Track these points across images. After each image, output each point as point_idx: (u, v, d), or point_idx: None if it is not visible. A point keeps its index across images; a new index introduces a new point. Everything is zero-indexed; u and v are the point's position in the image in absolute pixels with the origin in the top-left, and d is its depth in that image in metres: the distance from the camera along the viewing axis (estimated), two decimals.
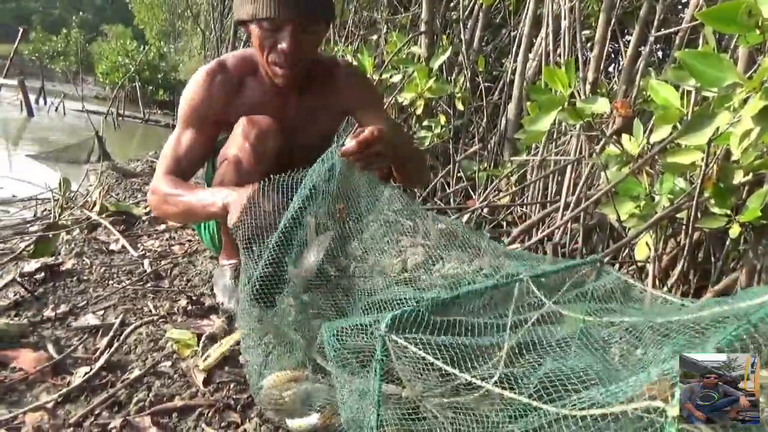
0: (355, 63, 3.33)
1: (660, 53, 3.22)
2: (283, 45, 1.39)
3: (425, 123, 3.27)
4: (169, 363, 1.31)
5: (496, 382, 0.75)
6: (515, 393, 0.71)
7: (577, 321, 0.88)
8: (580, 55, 2.51)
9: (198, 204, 1.32)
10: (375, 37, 4.60)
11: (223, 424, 1.11)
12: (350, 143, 1.17)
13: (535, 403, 0.67)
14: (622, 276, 0.96)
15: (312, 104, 1.59)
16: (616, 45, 3.16)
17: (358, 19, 4.85)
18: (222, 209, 1.24)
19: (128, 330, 1.41)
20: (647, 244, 1.96)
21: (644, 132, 1.98)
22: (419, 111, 3.21)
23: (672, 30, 2.23)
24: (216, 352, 1.26)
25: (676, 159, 1.75)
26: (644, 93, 2.42)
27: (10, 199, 3.63)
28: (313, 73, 1.56)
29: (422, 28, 3.37)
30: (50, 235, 2.38)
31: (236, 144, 1.44)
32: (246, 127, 1.43)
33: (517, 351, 0.89)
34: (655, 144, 1.94)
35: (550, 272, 0.95)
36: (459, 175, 3.17)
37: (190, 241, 2.28)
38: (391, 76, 3.37)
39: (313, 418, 1.08)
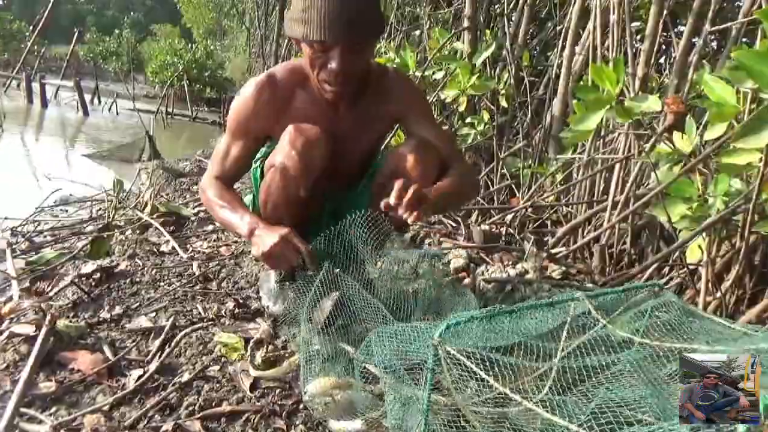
0: (398, 60, 3.33)
1: (714, 44, 3.09)
2: (333, 66, 1.39)
3: (468, 120, 3.23)
4: (217, 367, 1.34)
5: (545, 407, 0.74)
6: (566, 420, 0.70)
7: (633, 345, 0.86)
8: (629, 49, 2.43)
9: (230, 224, 1.53)
10: (417, 32, 4.58)
11: (269, 431, 1.13)
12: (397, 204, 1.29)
13: None
14: (684, 303, 0.93)
15: (362, 114, 1.58)
16: (668, 35, 3.04)
17: (400, 15, 4.83)
18: (247, 238, 1.46)
19: (179, 336, 1.45)
20: (700, 246, 1.89)
21: (697, 129, 1.90)
22: (462, 108, 3.18)
23: (728, 24, 2.13)
24: (273, 371, 1.29)
25: (731, 160, 1.68)
26: (697, 87, 2.32)
27: (68, 198, 3.80)
28: (364, 83, 1.56)
29: (465, 23, 3.33)
30: (105, 236, 2.48)
31: (283, 152, 1.46)
32: (293, 135, 1.45)
33: (569, 374, 0.87)
34: (709, 143, 1.87)
35: (606, 293, 0.92)
36: (503, 172, 3.13)
37: (236, 242, 2.33)
38: (433, 73, 3.35)
39: (357, 424, 1.09)
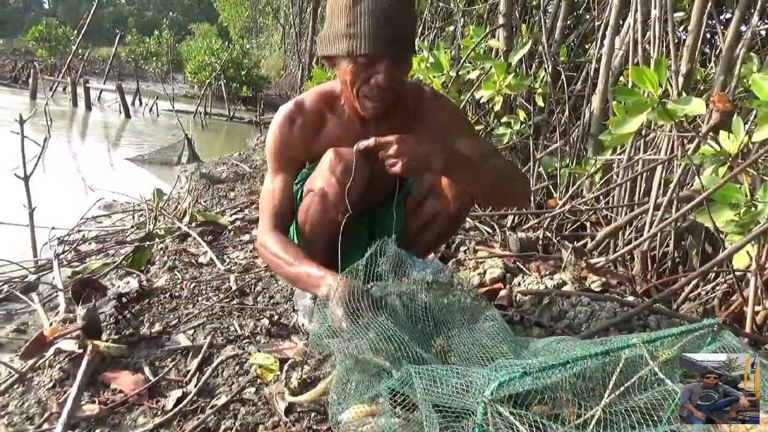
0: (431, 60, 3.28)
1: (764, 32, 2.93)
2: (378, 79, 1.39)
3: (504, 119, 3.18)
4: (253, 389, 1.35)
5: None
6: None
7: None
8: (671, 42, 2.33)
9: (301, 283, 1.45)
10: (451, 28, 4.52)
11: None
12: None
13: None
14: (745, 346, 0.87)
15: (395, 131, 1.56)
16: (713, 23, 2.90)
17: (434, 10, 4.77)
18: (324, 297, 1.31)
19: (216, 360, 1.47)
20: (748, 252, 1.81)
21: (745, 126, 1.81)
22: (497, 107, 3.12)
23: None
24: (308, 395, 1.29)
25: None
26: (745, 81, 2.21)
27: (113, 204, 3.92)
28: (398, 100, 1.54)
29: (500, 20, 3.26)
30: (146, 245, 2.54)
31: (323, 177, 1.46)
32: (333, 161, 1.44)
33: None
34: (757, 145, 1.78)
35: (663, 337, 0.88)
36: (539, 171, 3.06)
37: None
38: (468, 72, 3.30)
39: None
